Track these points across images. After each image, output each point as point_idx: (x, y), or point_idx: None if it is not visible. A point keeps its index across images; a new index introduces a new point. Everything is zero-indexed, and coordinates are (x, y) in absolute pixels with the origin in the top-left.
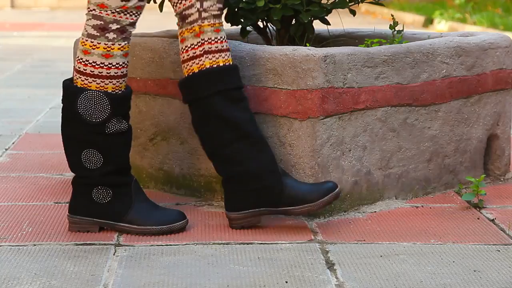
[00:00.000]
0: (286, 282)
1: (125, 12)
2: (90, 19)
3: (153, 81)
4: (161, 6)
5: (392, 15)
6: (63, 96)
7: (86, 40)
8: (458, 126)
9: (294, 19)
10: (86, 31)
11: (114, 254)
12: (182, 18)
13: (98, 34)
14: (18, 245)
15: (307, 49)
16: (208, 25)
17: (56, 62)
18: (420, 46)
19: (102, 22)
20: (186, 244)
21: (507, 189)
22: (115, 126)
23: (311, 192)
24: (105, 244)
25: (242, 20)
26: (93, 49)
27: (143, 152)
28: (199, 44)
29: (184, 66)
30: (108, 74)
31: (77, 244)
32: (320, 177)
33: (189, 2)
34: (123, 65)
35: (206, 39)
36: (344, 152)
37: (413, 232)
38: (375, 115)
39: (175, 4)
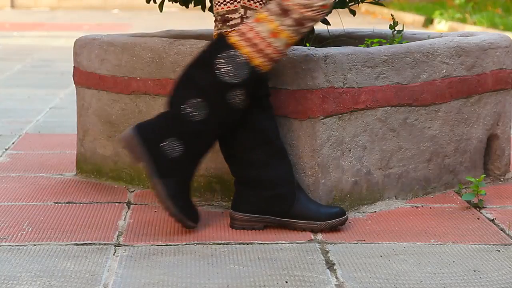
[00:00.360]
0: (286, 282)
1: (309, 7)
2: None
3: (153, 81)
4: (161, 6)
5: (392, 15)
6: (211, 42)
7: (266, 11)
8: (458, 126)
9: None
10: (271, 5)
11: (114, 254)
12: (224, 20)
13: (278, 13)
14: (18, 245)
15: (307, 49)
16: None
17: (56, 62)
18: (420, 46)
19: (287, 6)
20: (186, 244)
21: (507, 189)
22: (237, 98)
23: (319, 212)
24: (105, 244)
25: None
26: (266, 22)
27: None
28: None
29: None
30: (262, 50)
31: (77, 244)
32: (320, 177)
33: (234, 6)
34: (280, 51)
35: None
36: (344, 152)
37: (413, 232)
38: (375, 115)
39: (218, 4)
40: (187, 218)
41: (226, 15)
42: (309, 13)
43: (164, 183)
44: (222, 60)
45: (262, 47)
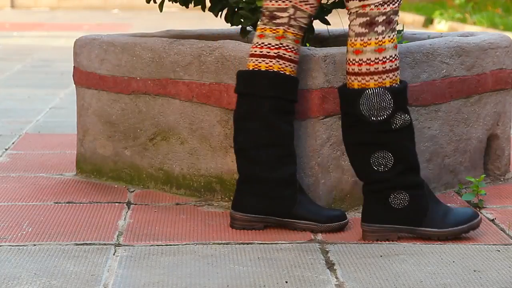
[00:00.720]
0: (286, 282)
1: (388, 2)
2: (354, 18)
3: (153, 81)
4: (161, 6)
5: None
6: (341, 103)
7: (356, 40)
8: (458, 126)
9: None
10: (354, 31)
11: (114, 254)
12: (271, 16)
13: (366, 30)
14: (18, 245)
15: (307, 49)
16: (292, 33)
17: (56, 62)
18: (420, 46)
19: (368, 18)
20: (186, 244)
21: (507, 189)
22: (401, 120)
23: (320, 214)
24: (105, 244)
25: (242, 20)
26: (364, 46)
27: (143, 152)
28: (277, 46)
29: (251, 59)
30: (384, 69)
31: (77, 244)
32: (320, 177)
33: (285, 5)
34: (395, 57)
35: (284, 44)
36: (344, 152)
37: None
38: None
39: None
40: (470, 221)
41: (275, 12)
42: (390, 7)
43: (427, 225)
44: (364, 107)
45: (381, 68)
